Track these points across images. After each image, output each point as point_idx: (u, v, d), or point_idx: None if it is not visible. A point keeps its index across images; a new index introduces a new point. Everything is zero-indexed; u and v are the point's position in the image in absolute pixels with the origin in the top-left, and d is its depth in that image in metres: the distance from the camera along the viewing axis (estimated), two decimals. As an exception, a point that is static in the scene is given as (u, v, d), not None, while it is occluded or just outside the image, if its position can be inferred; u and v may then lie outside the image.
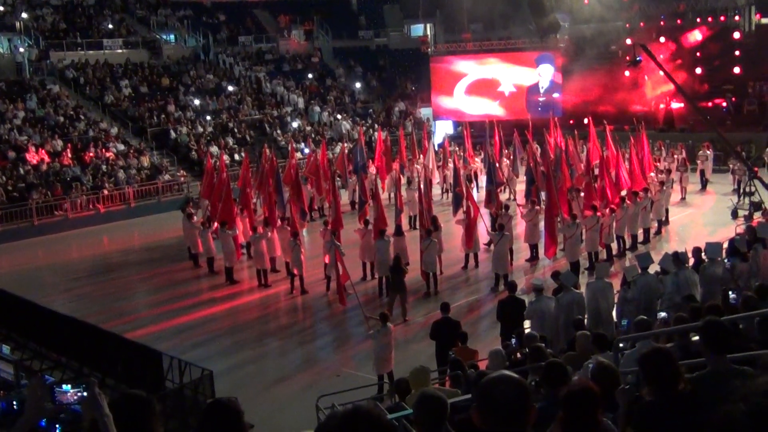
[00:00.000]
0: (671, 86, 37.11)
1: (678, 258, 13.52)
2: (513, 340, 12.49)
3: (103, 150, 32.43)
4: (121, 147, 33.43)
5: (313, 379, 14.56)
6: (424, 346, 13.60)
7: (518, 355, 11.28)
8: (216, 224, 21.89)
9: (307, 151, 33.85)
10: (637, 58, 27.27)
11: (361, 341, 15.55)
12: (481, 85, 42.25)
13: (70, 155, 31.36)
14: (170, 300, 19.88)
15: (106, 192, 30.18)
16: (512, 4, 41.64)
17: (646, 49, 25.62)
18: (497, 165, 25.30)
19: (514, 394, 2.88)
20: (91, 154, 31.85)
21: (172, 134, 35.88)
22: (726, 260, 13.88)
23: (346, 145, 35.40)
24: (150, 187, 31.73)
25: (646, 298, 13.22)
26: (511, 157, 30.55)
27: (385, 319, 13.69)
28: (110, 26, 42.50)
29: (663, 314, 10.98)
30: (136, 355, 14.44)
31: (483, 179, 27.28)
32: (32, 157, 30.42)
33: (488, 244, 21.09)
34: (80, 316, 16.66)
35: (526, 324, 14.39)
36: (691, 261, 14.14)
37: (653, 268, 14.27)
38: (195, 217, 23.39)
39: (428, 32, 52.75)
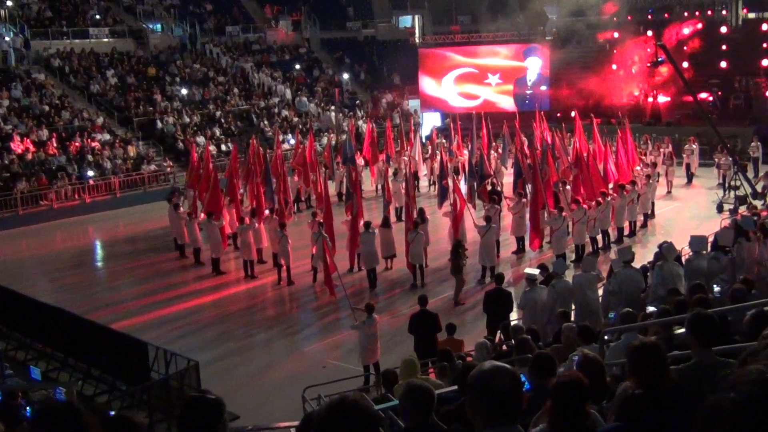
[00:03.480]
0: (656, 80, 37.45)
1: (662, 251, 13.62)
2: (499, 334, 12.55)
3: (89, 140, 32.22)
4: (107, 137, 33.22)
5: (299, 370, 14.56)
6: (409, 337, 13.62)
7: (504, 347, 11.33)
8: (202, 215, 21.82)
9: (293, 141, 33.75)
10: (660, 59, 27.42)
11: (347, 332, 15.54)
12: (468, 77, 42.22)
13: (55, 145, 31.15)
14: (156, 290, 19.81)
15: (91, 182, 30.01)
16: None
17: (665, 50, 25.74)
18: (485, 157, 25.30)
19: (510, 385, 2.88)
20: (77, 144, 31.64)
21: (159, 124, 35.70)
22: (710, 253, 13.97)
23: (332, 136, 35.34)
24: (136, 177, 31.58)
25: (627, 290, 13.28)
26: (500, 149, 30.58)
27: (370, 310, 13.72)
28: (96, 15, 42.16)
29: (651, 308, 11.04)
30: (122, 345, 14.41)
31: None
32: (17, 146, 30.19)
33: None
34: (65, 307, 16.57)
35: (513, 316, 14.47)
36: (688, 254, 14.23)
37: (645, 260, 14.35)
38: (181, 208, 23.30)
39: (416, 24, 52.70)
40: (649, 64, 29.26)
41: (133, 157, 32.63)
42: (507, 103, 40.55)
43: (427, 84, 43.01)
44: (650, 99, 37.71)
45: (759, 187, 24.83)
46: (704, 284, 11.28)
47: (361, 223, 19.85)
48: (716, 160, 28.56)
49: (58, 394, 9.96)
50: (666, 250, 13.52)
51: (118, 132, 34.36)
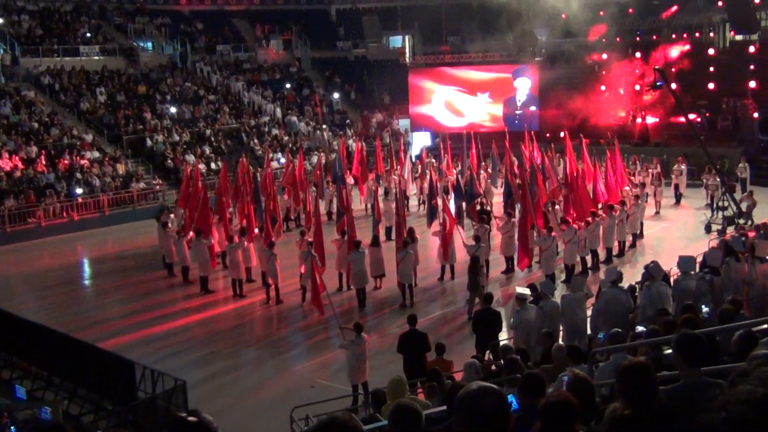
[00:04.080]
0: (645, 101, 37.74)
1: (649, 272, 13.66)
2: (488, 354, 12.51)
3: (78, 157, 32.14)
4: (96, 154, 33.14)
5: (287, 389, 14.49)
6: (397, 357, 13.58)
7: (493, 367, 11.29)
8: (191, 233, 21.76)
9: (283, 160, 33.77)
10: (658, 83, 27.77)
11: (335, 352, 15.49)
12: (458, 97, 42.39)
13: (44, 162, 31.05)
14: (144, 309, 19.70)
15: (80, 200, 29.91)
16: (490, 17, 41.92)
17: (663, 75, 26.11)
18: (475, 176, 25.38)
19: (497, 405, 2.87)
20: (66, 162, 31.55)
21: (148, 142, 35.66)
22: (699, 274, 14.01)
23: (322, 155, 35.38)
24: (125, 195, 31.48)
25: (612, 310, 13.27)
26: (489, 169, 30.68)
27: (359, 330, 13.68)
28: (87, 33, 42.21)
29: (640, 328, 11.05)
30: (108, 364, 14.31)
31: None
32: (5, 163, 30.07)
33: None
34: (52, 325, 16.47)
35: (502, 336, 14.45)
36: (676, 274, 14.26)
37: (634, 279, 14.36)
38: (170, 226, 23.23)
39: (406, 44, 52.97)
40: (648, 88, 29.51)
41: (122, 175, 32.54)
42: (496, 123, 40.69)
43: (416, 104, 43.14)
44: (638, 120, 37.95)
45: (743, 207, 25.02)
46: (693, 305, 11.31)
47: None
48: (704, 180, 28.74)
49: (44, 414, 9.88)
50: (653, 270, 13.55)
51: (108, 150, 34.27)
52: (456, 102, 42.43)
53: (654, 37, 41.57)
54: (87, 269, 25.66)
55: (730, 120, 36.07)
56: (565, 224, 20.77)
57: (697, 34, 40.48)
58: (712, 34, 40.69)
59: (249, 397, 14.50)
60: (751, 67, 36.42)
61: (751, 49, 37.57)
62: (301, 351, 17.23)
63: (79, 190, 30.26)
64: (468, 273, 18.45)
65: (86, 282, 24.12)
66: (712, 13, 40.23)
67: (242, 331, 18.51)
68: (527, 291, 14.56)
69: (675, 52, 38.99)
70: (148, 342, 17.20)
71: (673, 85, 36.99)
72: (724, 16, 38.95)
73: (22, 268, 25.15)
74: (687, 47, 39.10)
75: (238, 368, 16.05)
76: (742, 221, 24.03)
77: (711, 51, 38.97)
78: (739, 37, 39.71)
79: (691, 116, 35.60)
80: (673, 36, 40.45)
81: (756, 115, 34.85)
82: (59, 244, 27.71)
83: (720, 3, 38.66)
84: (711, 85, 37.29)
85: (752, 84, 35.72)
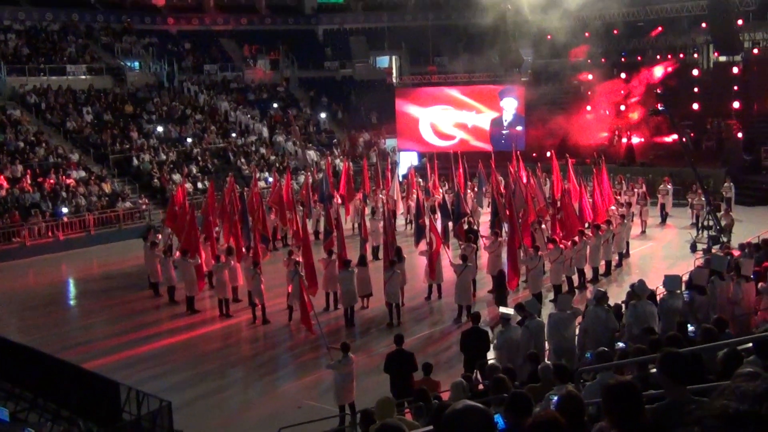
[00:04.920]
0: (630, 121, 38.08)
1: (635, 290, 13.69)
2: (476, 373, 12.46)
3: (64, 177, 32.02)
4: (82, 173, 33.02)
5: (274, 410, 14.40)
6: (385, 377, 13.51)
7: (480, 386, 11.27)
8: (177, 253, 21.67)
9: (270, 180, 33.77)
10: (660, 108, 28.09)
11: (322, 372, 15.41)
12: (445, 117, 42.59)
13: (29, 181, 30.92)
14: (129, 329, 19.56)
15: (65, 219, 29.76)
16: (476, 38, 42.18)
17: (662, 99, 26.62)
18: (462, 196, 25.44)
19: (482, 424, 2.86)
20: (52, 181, 31.42)
21: (135, 161, 35.58)
22: (685, 293, 14.05)
23: (309, 175, 35.40)
24: (111, 215, 31.35)
25: (593, 329, 13.26)
26: (476, 188, 30.77)
27: (346, 349, 13.62)
28: (74, 52, 42.18)
29: (621, 344, 11.06)
30: (93, 385, 14.17)
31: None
32: (-10, 182, 29.95)
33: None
34: (36, 345, 16.33)
35: (490, 355, 14.41)
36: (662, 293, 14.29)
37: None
38: (157, 245, 23.14)
39: (393, 64, 53.23)
40: (649, 112, 29.76)
41: (108, 194, 32.43)
42: (483, 143, 40.86)
43: (403, 123, 43.29)
44: (624, 140, 38.21)
45: (723, 223, 25.23)
46: (679, 323, 11.34)
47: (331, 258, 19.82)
48: (689, 200, 28.94)
49: (27, 436, 9.78)
50: (638, 289, 13.57)
51: (94, 169, 34.17)
52: (442, 122, 42.62)
53: (639, 57, 41.98)
54: (72, 289, 25.49)
55: (714, 140, 36.38)
56: (552, 243, 20.82)
57: (681, 55, 40.88)
58: (696, 55, 41.10)
59: (235, 417, 14.40)
60: (735, 87, 36.82)
61: (735, 70, 37.97)
62: (287, 371, 17.15)
63: (64, 210, 30.12)
64: (494, 287, 19.21)
65: (71, 302, 23.96)
66: (696, 35, 40.66)
67: (228, 351, 18.38)
68: (511, 311, 14.54)
69: (659, 72, 39.38)
70: (134, 363, 17.06)
71: (658, 106, 37.44)
72: (708, 37, 39.36)
73: (6, 287, 24.91)
74: (671, 68, 39.52)
75: (225, 389, 15.94)
76: (725, 239, 24.20)
77: (695, 72, 39.38)
78: (722, 58, 40.12)
79: (675, 136, 35.99)
80: (658, 57, 40.87)
81: (740, 135, 35.19)
82: (44, 263, 27.54)
83: (704, 24, 39.10)
84: (695, 106, 37.65)
85: (736, 104, 36.11)
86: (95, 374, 14.51)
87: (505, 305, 17.75)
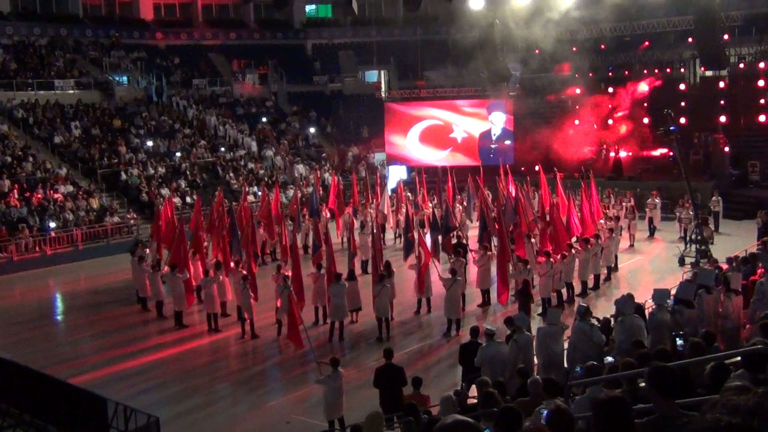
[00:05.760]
0: (617, 134, 38.30)
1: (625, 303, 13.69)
2: (462, 385, 12.41)
3: (51, 191, 31.89)
4: (70, 188, 32.90)
5: (262, 425, 14.34)
6: (374, 392, 13.48)
7: (469, 400, 11.25)
8: (166, 267, 21.59)
9: (259, 194, 33.75)
10: (672, 128, 28.32)
11: (311, 386, 15.36)
12: (434, 131, 42.70)
13: (17, 196, 30.77)
14: (117, 344, 19.44)
15: (53, 234, 29.62)
16: (464, 53, 42.35)
17: (671, 118, 26.90)
18: (451, 210, 25.48)
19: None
20: (39, 195, 31.29)
21: (123, 176, 35.48)
22: (673, 306, 14.07)
23: (298, 189, 35.40)
24: (99, 229, 31.22)
25: (580, 344, 13.25)
26: (464, 202, 30.83)
27: (335, 364, 13.57)
28: (62, 66, 42.12)
29: (609, 358, 11.06)
30: (80, 401, 14.06)
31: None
32: (-23, 197, 29.79)
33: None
34: (22, 361, 16.19)
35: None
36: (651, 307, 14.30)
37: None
38: (146, 260, 23.05)
39: (382, 78, 53.40)
40: (659, 132, 29.87)
41: (96, 209, 32.30)
42: (472, 157, 40.96)
43: (392, 137, 43.38)
44: (612, 153, 38.39)
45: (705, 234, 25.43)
46: (668, 337, 11.36)
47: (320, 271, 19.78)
48: (677, 214, 29.06)
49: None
50: (622, 306, 13.55)
51: (82, 183, 34.06)
52: (431, 136, 42.72)
53: (626, 72, 42.24)
54: (59, 304, 25.33)
55: (701, 154, 36.58)
56: (544, 257, 20.86)
57: (668, 70, 41.18)
58: (683, 70, 41.38)
59: (223, 433, 14.33)
60: (722, 102, 37.07)
61: (721, 84, 38.25)
62: (276, 386, 17.08)
63: (52, 224, 29.98)
64: (518, 296, 19.53)
65: (58, 317, 23.81)
66: (682, 49, 40.97)
67: (217, 366, 18.30)
68: (494, 326, 14.48)
69: (646, 86, 39.64)
70: (121, 378, 16.97)
71: (645, 120, 37.75)
72: (695, 52, 39.66)
73: (-7, 303, 24.79)
74: (658, 82, 39.78)
75: (213, 404, 15.85)
76: (704, 248, 24.43)
77: (682, 86, 39.64)
78: (709, 73, 40.40)
79: (663, 150, 36.26)
80: (645, 71, 41.13)
81: (727, 149, 35.39)
82: (31, 279, 27.36)
83: (690, 39, 39.39)
84: (683, 120, 37.87)
85: (723, 119, 36.35)
86: (82, 390, 14.40)
87: (528, 313, 18.09)
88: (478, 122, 42.25)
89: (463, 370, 14.37)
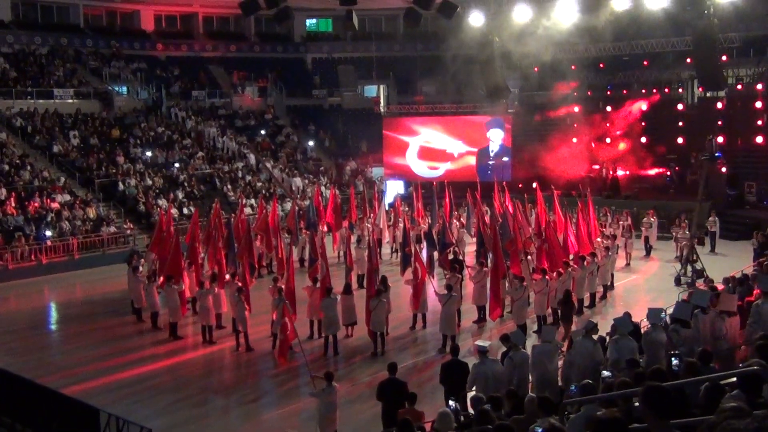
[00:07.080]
0: (615, 153, 38.42)
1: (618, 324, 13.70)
2: (452, 404, 12.32)
3: (48, 200, 31.85)
4: (68, 197, 32.87)
5: (255, 439, 14.26)
6: (368, 407, 13.45)
7: (461, 418, 11.21)
8: (162, 278, 21.55)
9: (256, 206, 33.72)
10: (717, 154, 28.40)
11: (305, 400, 15.30)
12: (431, 147, 42.80)
13: (13, 204, 30.73)
14: (111, 355, 19.36)
15: (49, 243, 29.57)
16: (464, 69, 42.50)
17: (713, 144, 27.22)
18: (447, 226, 25.48)
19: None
20: (36, 204, 31.25)
21: (120, 186, 35.46)
22: (670, 326, 14.06)
23: (296, 201, 35.39)
24: (95, 239, 31.17)
25: (580, 362, 13.23)
26: (462, 218, 30.83)
27: (330, 378, 13.52)
28: (62, 76, 42.18)
29: (606, 373, 11.04)
30: (72, 411, 13.99)
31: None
32: (-26, 205, 29.75)
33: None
34: (15, 370, 16.12)
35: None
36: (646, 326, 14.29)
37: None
38: (141, 270, 23.00)
39: (381, 93, 53.55)
40: (703, 157, 29.86)
41: (92, 218, 32.26)
42: (469, 173, 41.01)
43: (390, 152, 43.46)
44: (609, 172, 38.49)
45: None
46: (664, 356, 11.34)
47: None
48: (674, 233, 29.12)
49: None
50: (621, 324, 13.55)
51: (79, 193, 34.03)
52: (429, 151, 42.80)
53: (624, 91, 42.41)
54: (54, 313, 25.24)
55: (698, 174, 36.63)
56: (540, 274, 20.85)
57: (666, 90, 41.35)
58: (681, 90, 41.58)
59: (216, 446, 14.26)
60: (719, 122, 37.20)
61: (719, 105, 38.41)
62: (270, 399, 17.01)
63: (48, 233, 29.93)
64: (560, 305, 19.90)
65: (53, 326, 23.72)
66: (680, 70, 41.17)
67: (211, 378, 18.25)
68: (487, 343, 14.42)
69: (644, 106, 39.80)
70: (114, 388, 16.90)
71: (643, 139, 37.89)
72: (693, 72, 39.83)
73: (-13, 311, 24.70)
74: (656, 102, 39.93)
75: (206, 416, 15.79)
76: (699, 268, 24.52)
77: (680, 106, 39.82)
78: (707, 94, 40.58)
79: (659, 170, 36.36)
80: (643, 91, 41.30)
81: (724, 169, 35.48)
82: (26, 287, 27.30)
83: (688, 60, 39.57)
84: (680, 140, 38.02)
85: (720, 139, 36.44)
86: (75, 400, 14.33)
87: (570, 324, 18.61)
88: (477, 139, 42.36)
89: (445, 390, 14.24)
